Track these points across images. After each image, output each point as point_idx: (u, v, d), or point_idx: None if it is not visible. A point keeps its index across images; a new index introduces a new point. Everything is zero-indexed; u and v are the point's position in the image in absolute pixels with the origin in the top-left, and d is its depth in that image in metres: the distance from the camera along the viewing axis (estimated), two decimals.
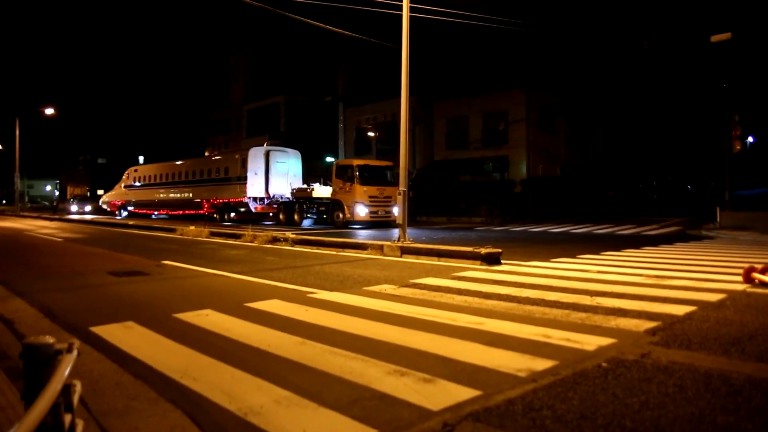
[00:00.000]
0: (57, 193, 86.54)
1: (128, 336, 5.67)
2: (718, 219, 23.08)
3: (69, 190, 78.73)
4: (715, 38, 22.17)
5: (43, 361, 2.18)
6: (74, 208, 53.31)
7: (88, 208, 53.54)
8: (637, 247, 15.07)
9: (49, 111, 46.14)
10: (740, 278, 8.62)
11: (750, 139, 33.80)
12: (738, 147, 23.93)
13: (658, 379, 4.12)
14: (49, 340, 2.24)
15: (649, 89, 43.66)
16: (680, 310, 6.55)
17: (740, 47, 29.17)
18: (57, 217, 42.34)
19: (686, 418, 3.40)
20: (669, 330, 5.62)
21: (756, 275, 8.42)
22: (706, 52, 26.71)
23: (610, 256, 12.96)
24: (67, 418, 2.21)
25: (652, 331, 5.57)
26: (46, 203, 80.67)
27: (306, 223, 28.88)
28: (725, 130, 24.22)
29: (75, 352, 2.30)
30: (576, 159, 41.13)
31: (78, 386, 2.36)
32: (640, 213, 37.06)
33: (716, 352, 4.84)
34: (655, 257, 12.59)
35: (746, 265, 8.83)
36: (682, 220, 30.33)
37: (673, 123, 44.98)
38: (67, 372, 2.15)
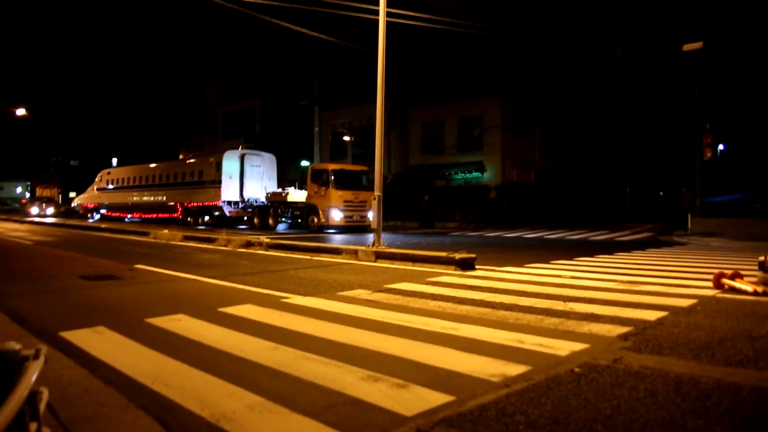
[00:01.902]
0: (28, 195, 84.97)
1: (99, 341, 5.57)
2: (690, 225, 23.45)
3: (39, 191, 77.36)
4: (687, 47, 22.59)
5: (8, 368, 2.13)
6: (35, 210, 52.04)
7: (50, 210, 52.27)
8: (610, 253, 15.23)
9: (20, 111, 45.37)
10: (710, 284, 8.74)
11: (720, 146, 34.50)
12: (709, 154, 24.37)
13: (630, 384, 4.16)
14: (15, 346, 2.19)
15: (622, 97, 44.33)
16: (652, 315, 6.62)
17: (712, 56, 29.74)
18: (28, 219, 41.60)
19: (657, 423, 3.43)
20: (641, 335, 5.68)
21: (726, 281, 8.55)
22: (678, 60, 27.19)
23: (583, 261, 13.07)
24: (33, 426, 2.16)
25: (624, 337, 5.62)
26: (17, 205, 79.17)
27: (281, 227, 28.74)
28: (696, 137, 24.62)
29: (42, 359, 2.26)
30: (550, 165, 41.55)
31: (45, 393, 2.30)
32: (613, 219, 37.50)
33: (687, 357, 4.90)
34: (628, 263, 12.74)
35: (716, 271, 8.97)
36: (654, 226, 30.74)
37: (645, 130, 45.71)
38: (33, 379, 2.11)
